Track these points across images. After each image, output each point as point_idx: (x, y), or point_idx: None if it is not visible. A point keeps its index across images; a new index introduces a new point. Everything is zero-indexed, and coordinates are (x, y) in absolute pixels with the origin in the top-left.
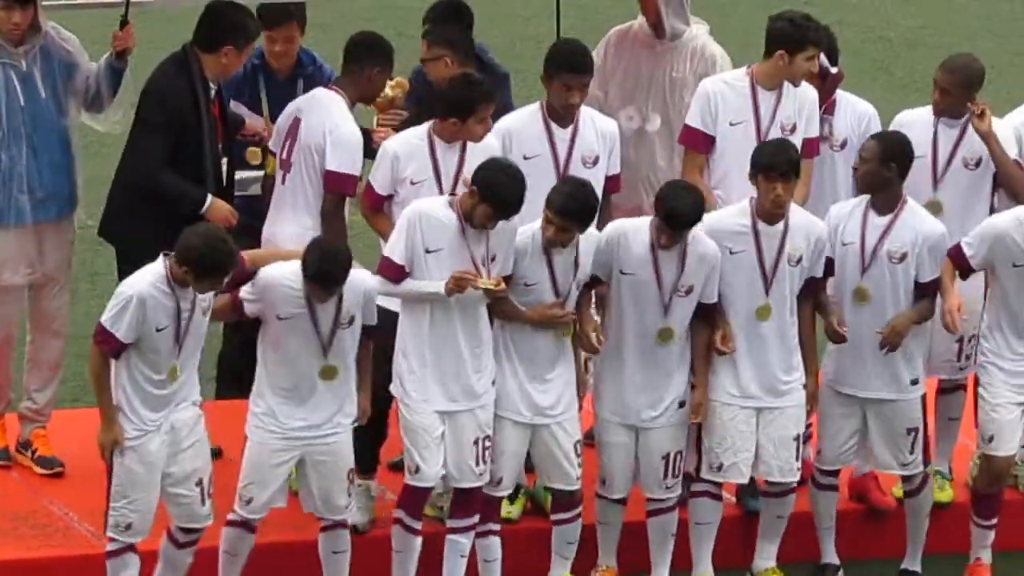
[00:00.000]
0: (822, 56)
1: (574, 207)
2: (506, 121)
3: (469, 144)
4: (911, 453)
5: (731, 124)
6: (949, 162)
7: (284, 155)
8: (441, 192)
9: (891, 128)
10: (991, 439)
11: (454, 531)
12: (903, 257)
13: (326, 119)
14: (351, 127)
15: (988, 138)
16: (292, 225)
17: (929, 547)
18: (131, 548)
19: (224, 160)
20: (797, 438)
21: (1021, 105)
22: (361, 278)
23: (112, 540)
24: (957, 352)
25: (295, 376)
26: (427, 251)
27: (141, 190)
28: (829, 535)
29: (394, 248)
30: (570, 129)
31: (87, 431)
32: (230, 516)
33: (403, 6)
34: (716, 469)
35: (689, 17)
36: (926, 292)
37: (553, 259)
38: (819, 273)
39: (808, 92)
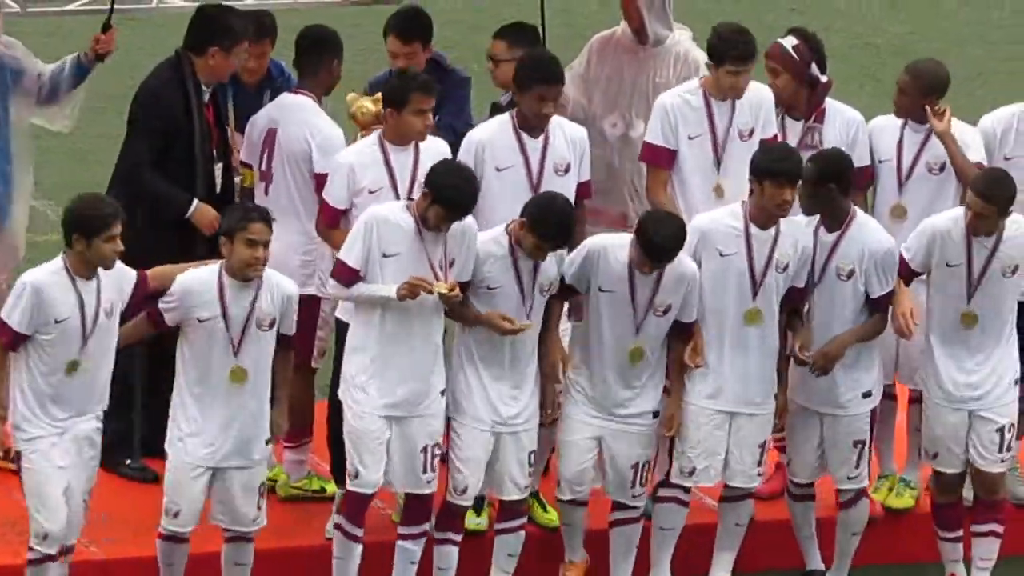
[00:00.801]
0: (813, 65)
1: (555, 231)
2: (477, 133)
3: (422, 147)
4: (856, 467)
5: (690, 138)
6: (913, 166)
7: (263, 167)
8: (398, 198)
9: (859, 130)
10: (935, 456)
11: (403, 537)
12: (851, 274)
13: (304, 125)
14: (330, 127)
15: (945, 138)
16: (282, 233)
17: (914, 556)
18: (51, 558)
19: (219, 165)
20: (763, 445)
21: (1005, 107)
22: (282, 282)
23: (31, 549)
24: None
25: (209, 380)
26: (384, 255)
27: (128, 193)
28: (812, 542)
29: (349, 252)
30: (541, 139)
31: None
32: (160, 529)
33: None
34: (688, 473)
35: (672, 23)
36: (878, 308)
37: (519, 264)
38: (801, 283)
39: (763, 92)
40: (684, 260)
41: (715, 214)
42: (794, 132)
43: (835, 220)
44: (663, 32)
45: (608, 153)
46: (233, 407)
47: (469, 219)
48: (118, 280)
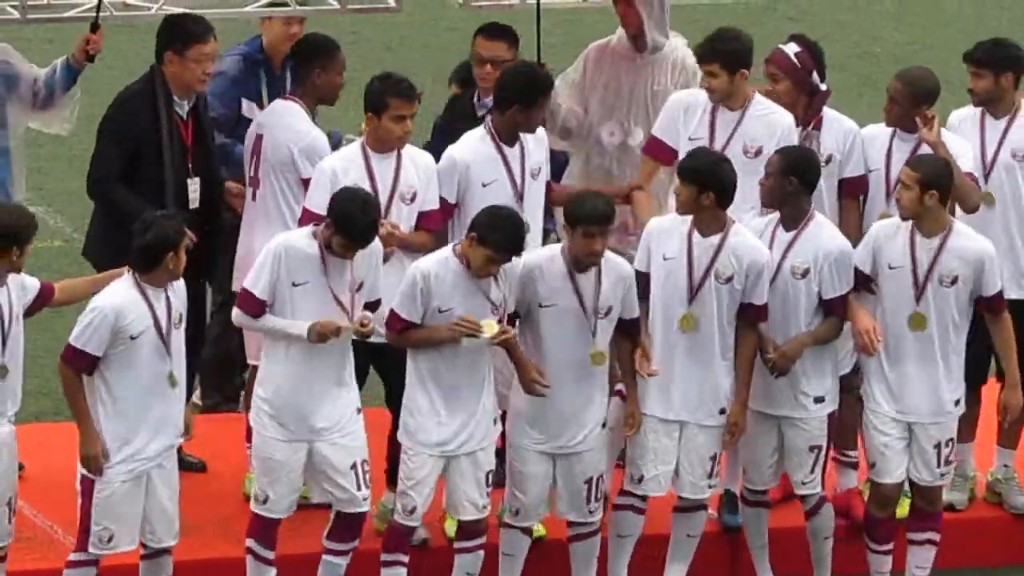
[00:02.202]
0: (814, 73)
1: (510, 243)
2: (458, 152)
3: (406, 155)
4: (811, 472)
5: (690, 139)
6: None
7: (252, 172)
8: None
9: (856, 139)
10: (873, 465)
11: (330, 552)
12: (805, 273)
13: (287, 132)
14: (313, 133)
15: (936, 147)
16: (269, 238)
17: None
18: None
19: (196, 180)
20: (714, 458)
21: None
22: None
23: None
24: None
25: (144, 394)
26: (294, 284)
27: (96, 202)
28: (763, 552)
29: (256, 282)
30: (517, 147)
31: (70, 444)
32: (72, 556)
33: (387, 21)
34: (636, 481)
35: (668, 30)
36: (831, 310)
37: (472, 285)
38: (759, 301)
39: (786, 118)
40: (617, 260)
41: (666, 219)
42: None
43: (793, 219)
44: (660, 39)
45: (607, 162)
46: (166, 418)
47: (375, 240)
48: (21, 285)
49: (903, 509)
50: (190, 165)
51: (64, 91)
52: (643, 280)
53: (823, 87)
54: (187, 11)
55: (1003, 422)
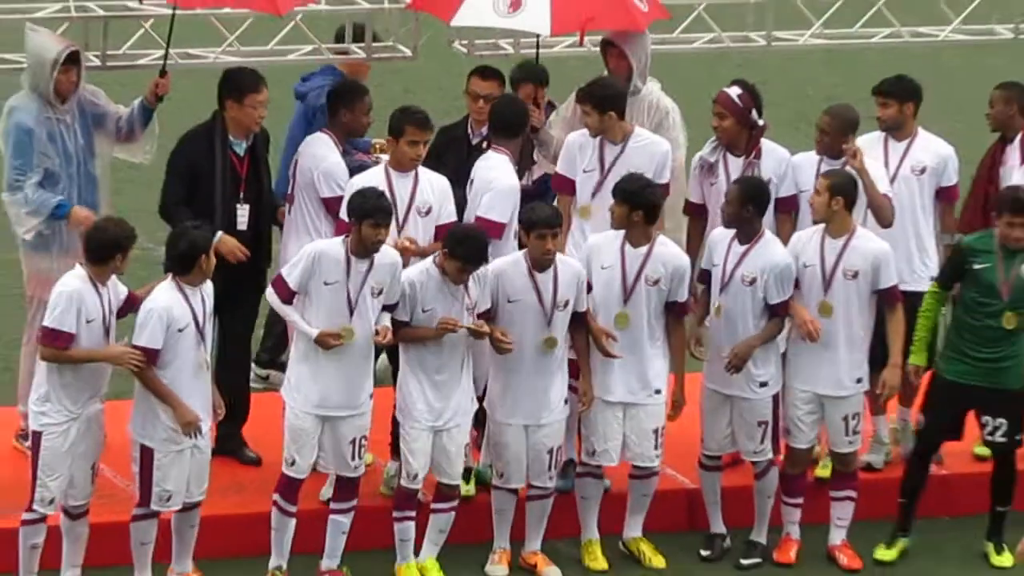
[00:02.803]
0: (753, 111)
1: (477, 256)
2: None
3: (423, 177)
4: (761, 443)
5: (584, 171)
6: None
7: (290, 191)
8: (396, 219)
9: (788, 165)
10: (788, 432)
11: (336, 512)
12: (753, 281)
13: (311, 159)
14: (331, 159)
15: (862, 174)
16: (296, 247)
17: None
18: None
19: (246, 206)
20: (656, 431)
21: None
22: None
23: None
24: None
25: (189, 378)
26: (325, 283)
27: (167, 223)
28: (716, 508)
29: (291, 273)
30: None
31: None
32: (137, 511)
33: (406, 68)
34: (591, 454)
35: (647, 76)
36: (775, 312)
37: (449, 290)
38: (681, 299)
39: (663, 145)
40: (571, 262)
41: (602, 235)
42: (736, 167)
43: (746, 235)
44: (640, 84)
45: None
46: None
47: (395, 253)
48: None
49: (826, 471)
50: (241, 194)
51: (142, 127)
52: (588, 287)
53: (761, 122)
54: (242, 65)
55: (880, 396)
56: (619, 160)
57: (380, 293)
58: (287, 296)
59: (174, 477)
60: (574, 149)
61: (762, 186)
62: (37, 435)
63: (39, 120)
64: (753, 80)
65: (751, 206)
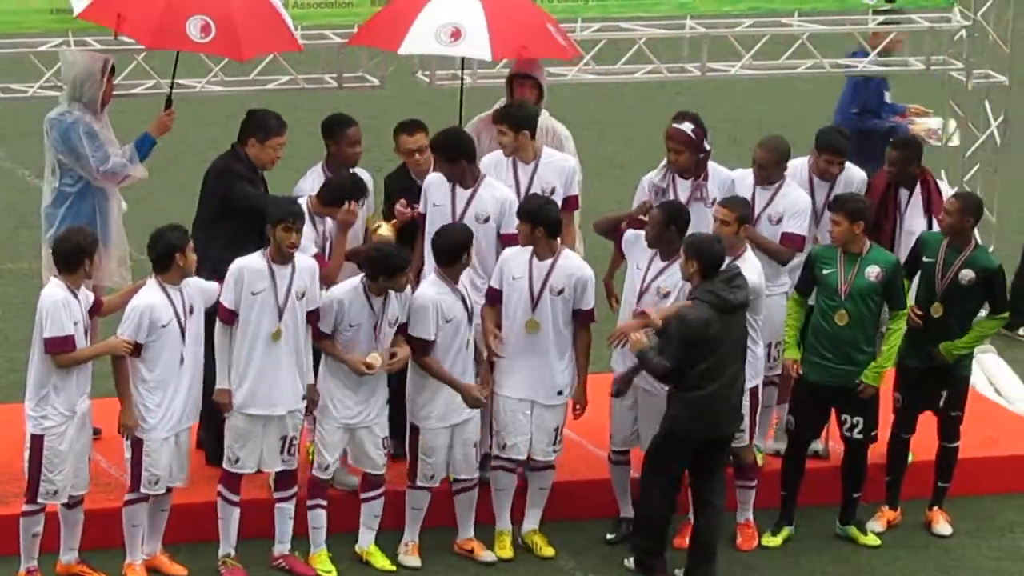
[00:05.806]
0: (704, 142)
1: (387, 273)
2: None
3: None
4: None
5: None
6: (759, 216)
7: None
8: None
9: (728, 180)
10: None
11: (280, 500)
12: (667, 295)
13: (298, 190)
14: (302, 187)
15: (754, 239)
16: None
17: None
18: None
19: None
20: (556, 429)
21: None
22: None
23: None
24: (767, 355)
25: (172, 370)
26: (252, 293)
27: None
28: (625, 495)
29: (226, 297)
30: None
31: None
32: (128, 496)
33: (372, 95)
34: (501, 447)
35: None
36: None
37: (373, 304)
38: (586, 307)
39: (569, 162)
40: (574, 257)
41: (514, 249)
42: (685, 189)
43: (668, 252)
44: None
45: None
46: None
47: (312, 260)
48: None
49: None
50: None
51: (142, 155)
52: (497, 295)
53: (708, 147)
54: (267, 110)
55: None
56: (534, 177)
57: (303, 296)
58: (229, 317)
59: (163, 463)
60: (490, 168)
61: (682, 208)
62: (39, 438)
63: (92, 123)
64: (689, 107)
65: (674, 227)
